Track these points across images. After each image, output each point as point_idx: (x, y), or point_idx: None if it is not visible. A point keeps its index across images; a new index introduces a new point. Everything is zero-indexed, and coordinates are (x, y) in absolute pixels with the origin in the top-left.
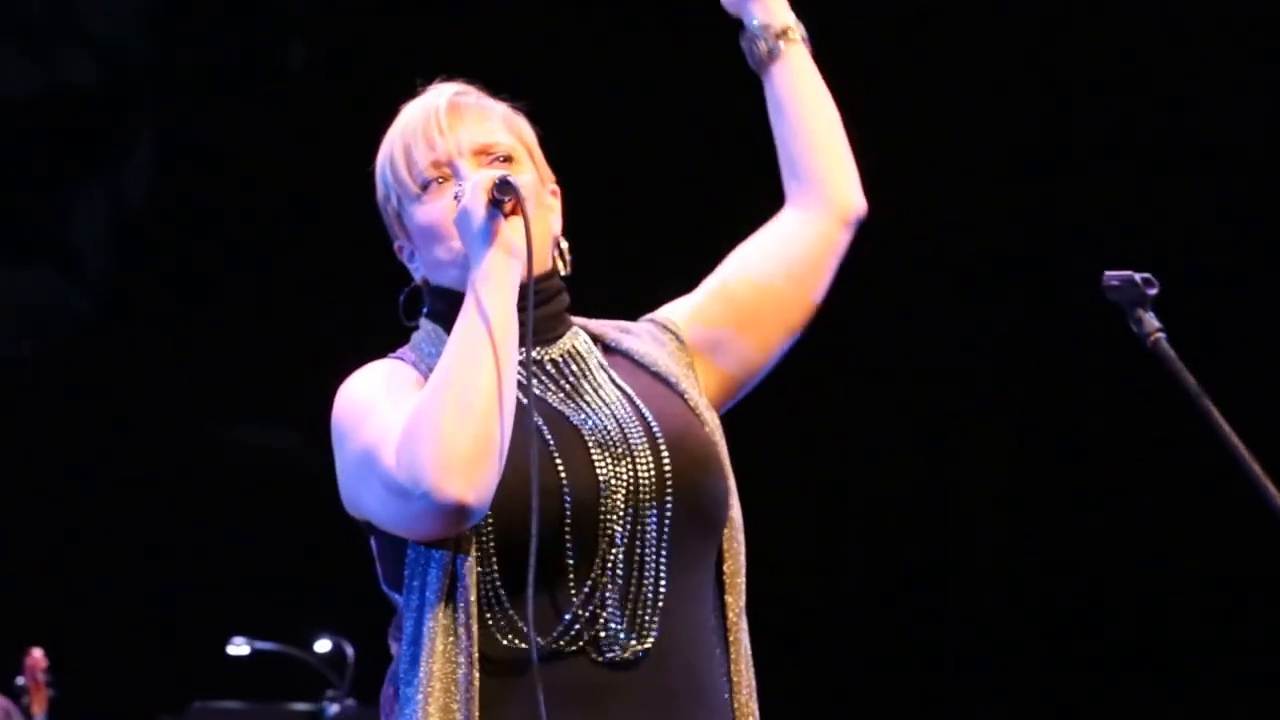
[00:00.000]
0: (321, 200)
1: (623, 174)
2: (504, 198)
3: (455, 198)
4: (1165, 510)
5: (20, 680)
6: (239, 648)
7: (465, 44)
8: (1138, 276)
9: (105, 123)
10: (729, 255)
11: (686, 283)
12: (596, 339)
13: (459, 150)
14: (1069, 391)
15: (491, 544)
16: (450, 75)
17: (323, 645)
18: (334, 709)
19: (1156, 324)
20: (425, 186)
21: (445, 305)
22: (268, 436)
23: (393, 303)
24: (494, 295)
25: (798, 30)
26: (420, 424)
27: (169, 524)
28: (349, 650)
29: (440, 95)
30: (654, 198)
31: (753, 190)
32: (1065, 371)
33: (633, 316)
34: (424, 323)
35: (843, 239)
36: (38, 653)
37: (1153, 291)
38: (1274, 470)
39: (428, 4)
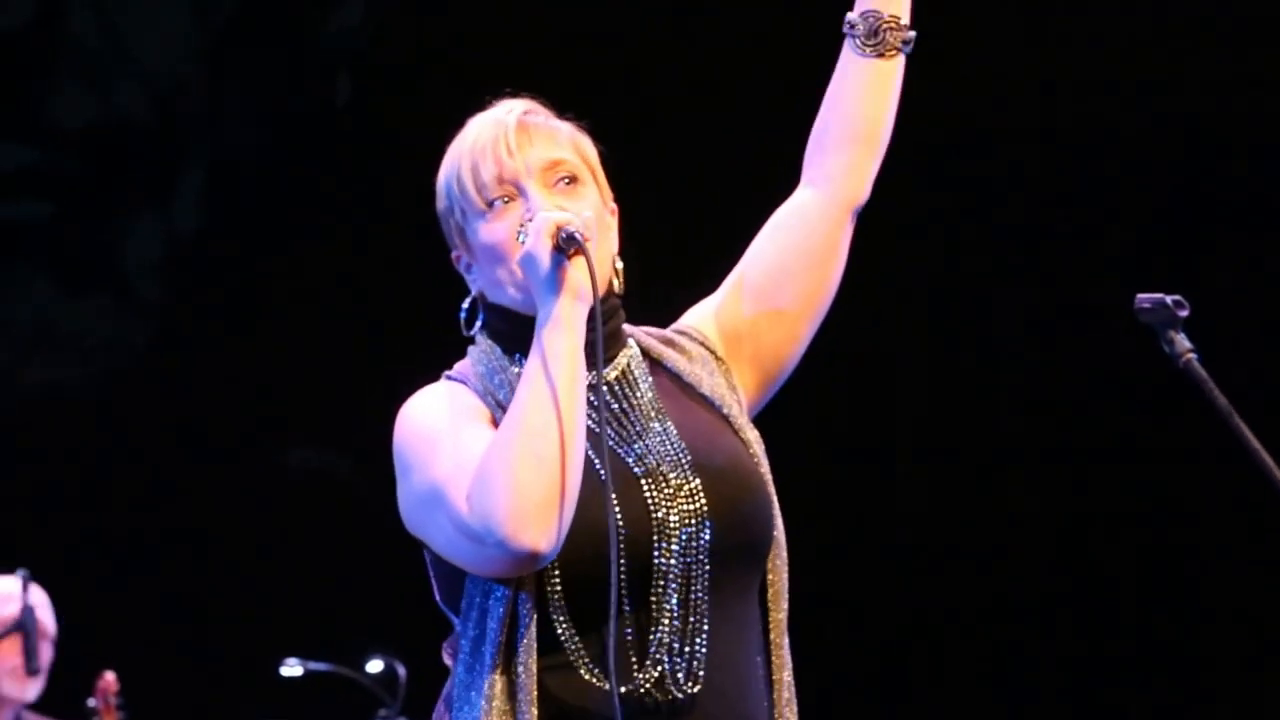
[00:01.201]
0: (368, 227)
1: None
2: (568, 246)
3: (519, 239)
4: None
5: (91, 702)
6: (292, 669)
7: (505, 74)
8: (1169, 299)
9: (157, 154)
10: (746, 250)
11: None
12: (646, 353)
13: (527, 170)
14: (1107, 413)
15: (555, 583)
16: (511, 93)
17: (374, 665)
18: None
19: (1188, 344)
20: (491, 204)
21: (502, 323)
22: (320, 461)
23: (440, 328)
24: (563, 341)
25: (911, 41)
26: (493, 472)
27: (223, 549)
28: (400, 670)
29: (510, 113)
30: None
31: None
32: (1099, 388)
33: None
34: (480, 339)
35: (850, 227)
36: (110, 676)
37: (1184, 313)
38: None
39: (469, 37)
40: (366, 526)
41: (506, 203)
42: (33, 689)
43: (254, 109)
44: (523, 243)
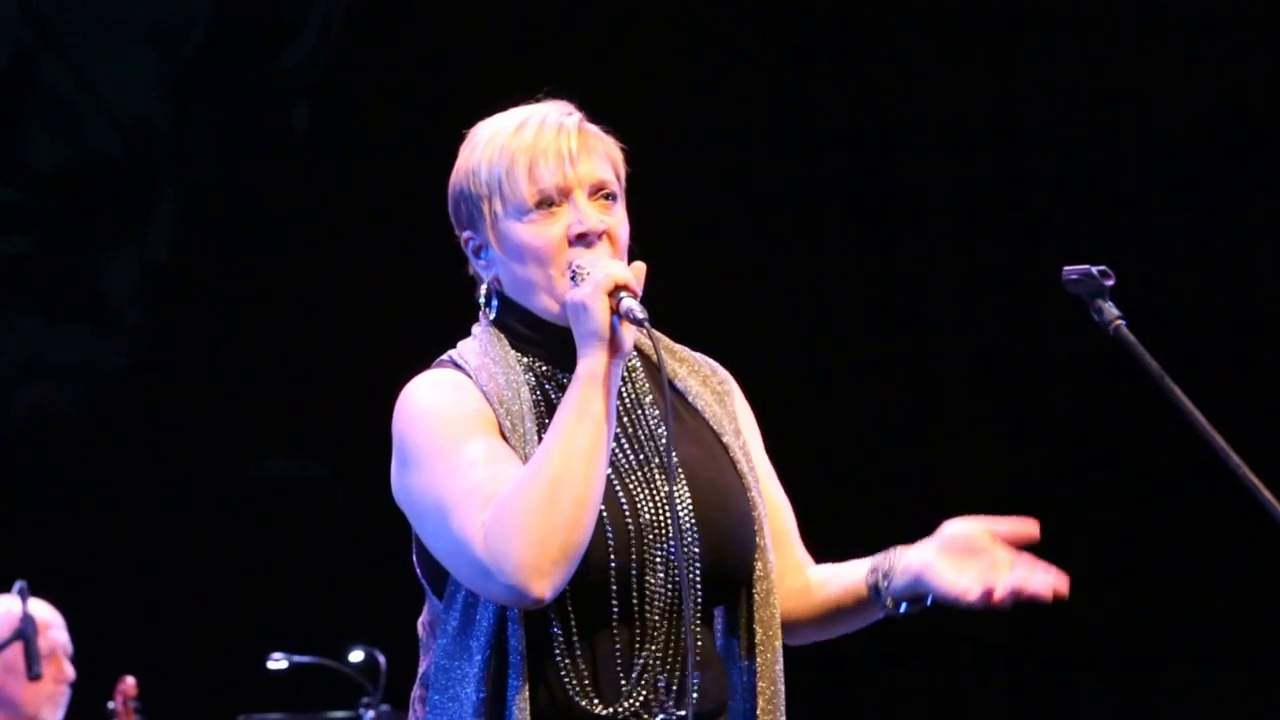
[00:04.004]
0: (331, 247)
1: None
2: (626, 315)
3: (573, 277)
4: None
5: (111, 705)
6: (278, 663)
7: (457, 97)
8: (1095, 269)
9: (129, 188)
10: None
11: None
12: (649, 360)
13: (580, 182)
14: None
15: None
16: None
17: (356, 656)
18: (370, 715)
19: (1116, 312)
20: (540, 205)
21: (515, 320)
22: (296, 468)
23: (407, 341)
24: (601, 401)
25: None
26: (514, 518)
27: (210, 555)
28: (381, 659)
29: (571, 118)
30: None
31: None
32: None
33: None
34: (485, 326)
35: None
36: (130, 680)
37: (1110, 282)
38: (1237, 446)
39: (419, 63)
40: (342, 528)
41: (555, 206)
42: (57, 709)
43: (218, 141)
44: (575, 280)
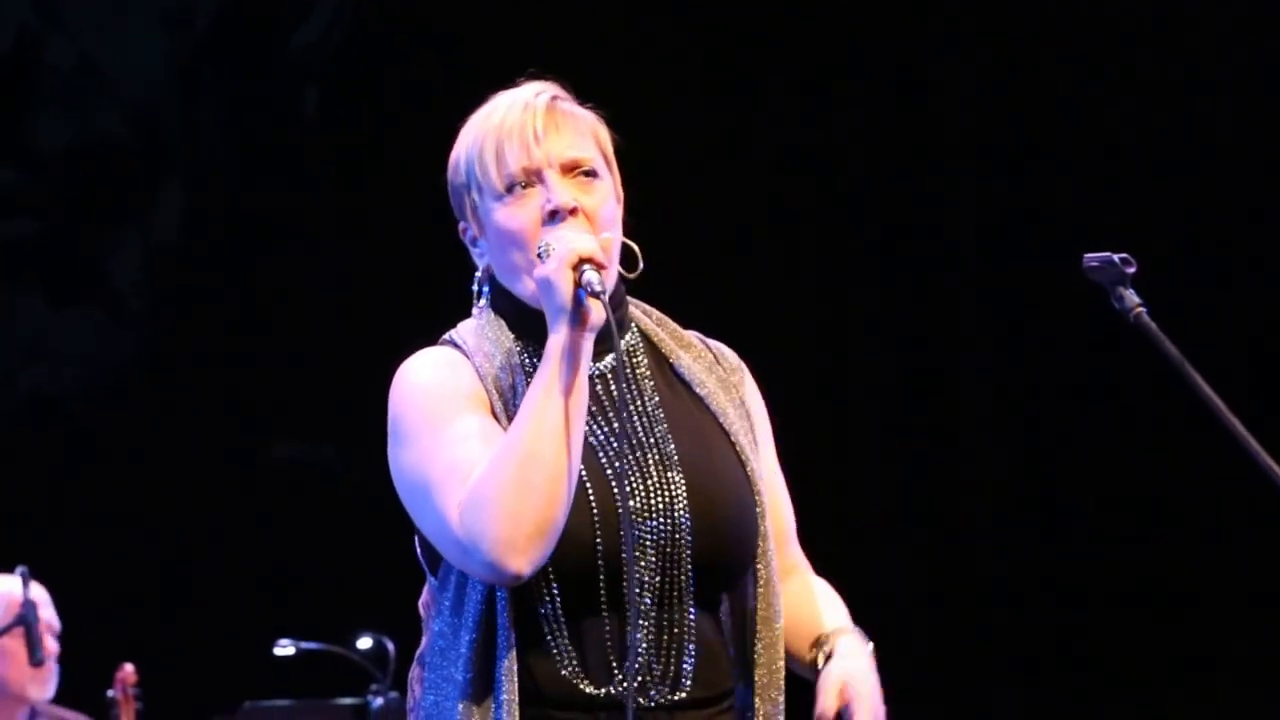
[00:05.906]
0: (338, 230)
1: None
2: (588, 287)
3: (539, 252)
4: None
5: (111, 693)
6: (286, 649)
7: (466, 82)
8: (1116, 256)
9: (136, 171)
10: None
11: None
12: (652, 344)
13: (549, 161)
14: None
15: (539, 579)
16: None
17: (364, 643)
18: (378, 702)
19: (1137, 299)
20: (510, 189)
21: (508, 306)
22: (304, 453)
23: (416, 327)
24: (571, 375)
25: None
26: (487, 496)
27: (217, 540)
28: (389, 646)
29: (539, 96)
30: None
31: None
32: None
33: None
34: (485, 311)
35: None
36: (129, 667)
37: (1131, 270)
38: (1259, 433)
39: (429, 46)
40: (351, 513)
41: (526, 188)
42: (47, 687)
43: (226, 124)
44: (543, 257)
